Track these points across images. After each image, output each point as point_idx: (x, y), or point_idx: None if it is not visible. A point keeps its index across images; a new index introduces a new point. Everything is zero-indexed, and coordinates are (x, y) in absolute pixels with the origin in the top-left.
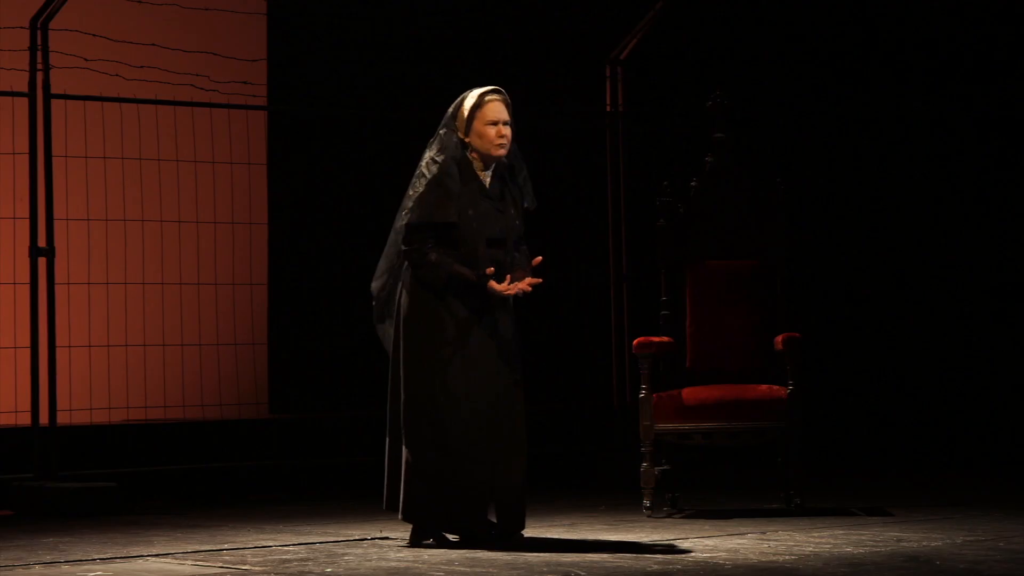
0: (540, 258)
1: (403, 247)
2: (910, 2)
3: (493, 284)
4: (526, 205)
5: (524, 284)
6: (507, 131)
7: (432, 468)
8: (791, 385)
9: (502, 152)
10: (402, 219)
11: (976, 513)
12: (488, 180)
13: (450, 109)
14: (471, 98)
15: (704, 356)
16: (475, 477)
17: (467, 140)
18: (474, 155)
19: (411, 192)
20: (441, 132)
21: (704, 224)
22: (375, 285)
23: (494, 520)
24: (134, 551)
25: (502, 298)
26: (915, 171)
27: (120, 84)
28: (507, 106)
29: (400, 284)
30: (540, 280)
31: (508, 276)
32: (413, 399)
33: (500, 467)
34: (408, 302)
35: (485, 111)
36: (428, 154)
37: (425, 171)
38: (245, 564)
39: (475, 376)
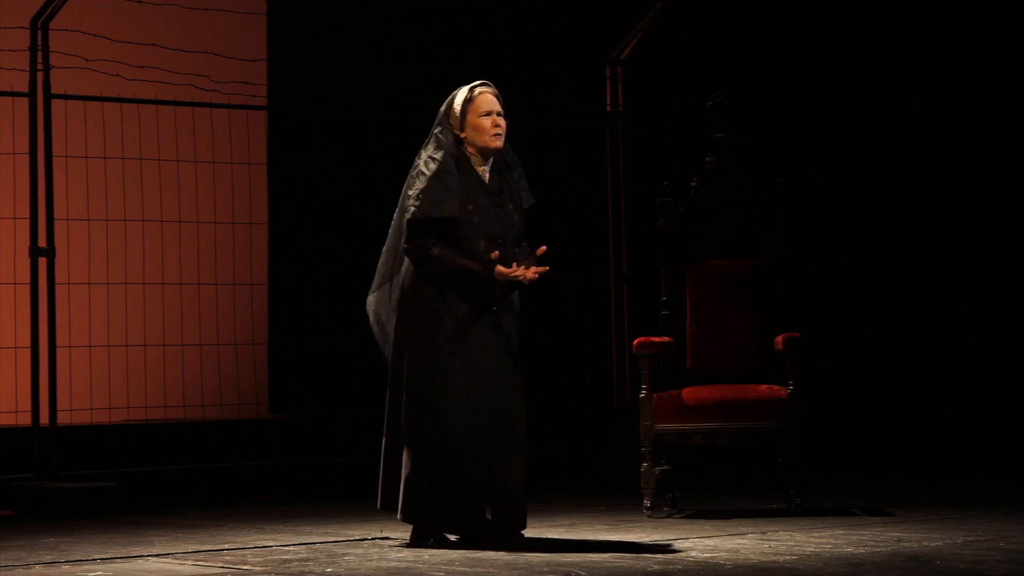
0: (544, 247)
1: (405, 245)
2: (910, 2)
3: (500, 268)
4: (524, 206)
5: (531, 272)
6: (502, 121)
7: (433, 467)
8: (791, 385)
9: (499, 143)
10: (402, 218)
11: (976, 513)
12: (487, 176)
13: (442, 108)
14: (461, 93)
15: (704, 356)
16: (475, 476)
17: (463, 135)
18: (471, 150)
19: (410, 192)
20: (436, 131)
21: (704, 224)
22: (370, 301)
23: (493, 520)
24: (134, 551)
25: (509, 283)
26: (915, 171)
27: (120, 84)
28: (498, 98)
29: (400, 284)
30: (547, 268)
31: (515, 264)
32: (415, 398)
33: (500, 466)
34: (409, 301)
35: (477, 103)
36: (425, 153)
37: (424, 169)
38: (245, 564)
39: (476, 375)
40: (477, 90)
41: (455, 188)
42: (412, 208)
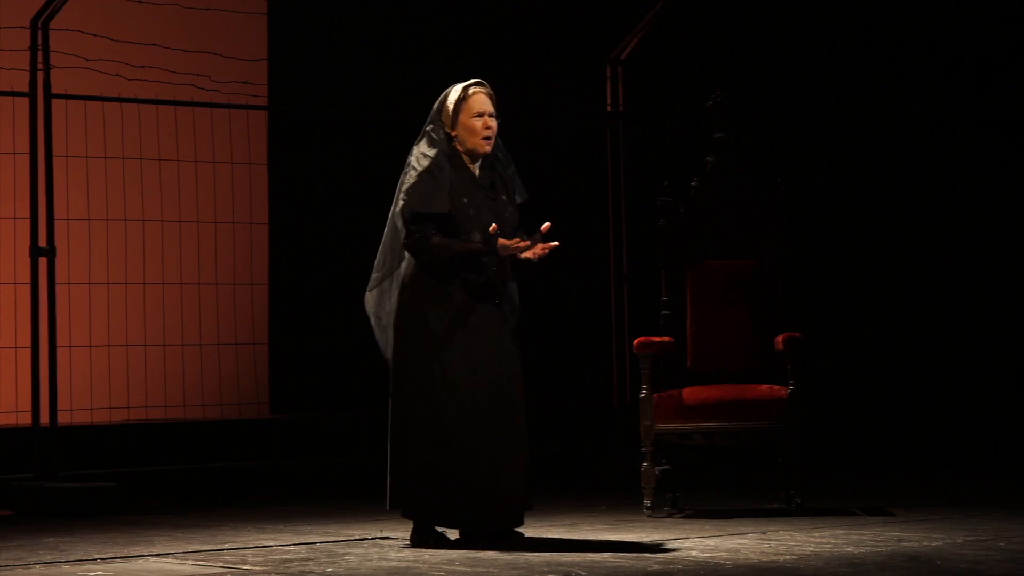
0: (549, 224)
1: (404, 240)
2: (910, 2)
3: (503, 241)
4: (518, 200)
5: (539, 248)
6: (493, 123)
7: (434, 463)
8: (791, 385)
9: (488, 148)
10: (397, 216)
11: (976, 513)
12: (477, 171)
13: (435, 105)
14: (455, 92)
15: (705, 356)
16: (476, 471)
17: (454, 134)
18: (461, 149)
19: (402, 188)
20: (428, 128)
21: (704, 224)
22: (369, 299)
23: (494, 516)
24: (135, 551)
25: (514, 260)
26: (915, 171)
27: (121, 84)
28: (491, 98)
29: (401, 281)
30: (557, 244)
31: (517, 239)
32: (417, 393)
33: (502, 464)
34: (409, 297)
35: (470, 103)
36: (417, 149)
37: (416, 164)
38: (246, 564)
39: (477, 367)
40: (471, 90)
41: (445, 184)
42: (402, 202)
